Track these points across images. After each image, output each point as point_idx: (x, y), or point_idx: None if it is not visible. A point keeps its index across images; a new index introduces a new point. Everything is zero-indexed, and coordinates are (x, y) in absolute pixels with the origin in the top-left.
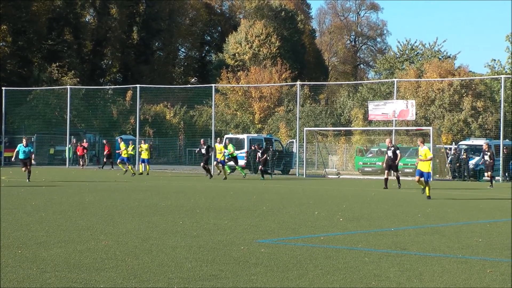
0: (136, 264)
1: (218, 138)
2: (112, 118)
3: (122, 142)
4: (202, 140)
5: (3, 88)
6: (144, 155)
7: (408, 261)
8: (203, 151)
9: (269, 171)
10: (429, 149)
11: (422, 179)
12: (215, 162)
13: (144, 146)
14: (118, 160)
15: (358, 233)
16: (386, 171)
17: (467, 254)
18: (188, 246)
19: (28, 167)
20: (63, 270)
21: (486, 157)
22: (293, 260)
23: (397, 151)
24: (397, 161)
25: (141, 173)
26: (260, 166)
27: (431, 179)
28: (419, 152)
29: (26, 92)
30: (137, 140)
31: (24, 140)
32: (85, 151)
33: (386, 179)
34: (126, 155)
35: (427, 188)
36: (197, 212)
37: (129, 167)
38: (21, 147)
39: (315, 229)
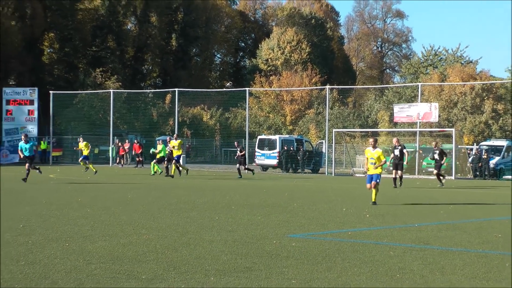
0: (175, 257)
1: (175, 135)
2: (152, 120)
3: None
4: (236, 143)
5: (50, 92)
6: (177, 152)
7: (430, 255)
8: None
9: (249, 168)
10: (383, 151)
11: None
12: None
13: (176, 142)
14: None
15: (383, 228)
16: (393, 171)
17: (487, 248)
18: (223, 240)
19: (31, 166)
20: (108, 262)
21: (436, 155)
22: (322, 254)
23: (404, 150)
24: (405, 161)
25: (171, 175)
26: (237, 165)
27: (380, 181)
28: (370, 155)
29: (72, 95)
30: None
31: (23, 137)
32: (126, 151)
33: (395, 178)
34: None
35: (374, 191)
36: (232, 209)
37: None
38: (22, 145)
39: (343, 224)
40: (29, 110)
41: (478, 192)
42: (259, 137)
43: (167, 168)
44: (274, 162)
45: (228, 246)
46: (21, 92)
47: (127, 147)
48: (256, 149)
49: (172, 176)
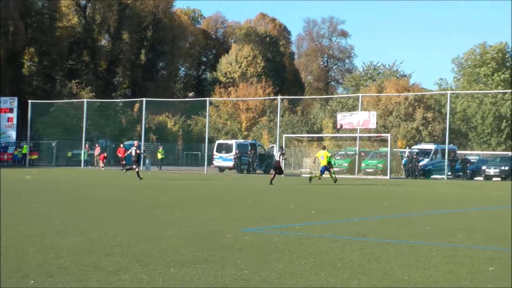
0: (139, 250)
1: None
2: (122, 126)
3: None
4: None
5: (29, 101)
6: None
7: (368, 246)
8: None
9: (131, 167)
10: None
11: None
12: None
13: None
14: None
15: (327, 223)
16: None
17: (417, 240)
18: (183, 235)
19: None
20: (77, 255)
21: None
22: (271, 246)
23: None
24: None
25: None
26: (128, 166)
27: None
28: (321, 154)
29: (49, 104)
30: (142, 145)
31: None
32: (98, 153)
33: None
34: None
35: (321, 176)
36: (192, 206)
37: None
38: None
39: (291, 219)
40: (8, 118)
41: (409, 190)
42: (217, 141)
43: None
44: (230, 164)
45: (187, 240)
46: (1, 101)
47: (98, 151)
48: (215, 152)
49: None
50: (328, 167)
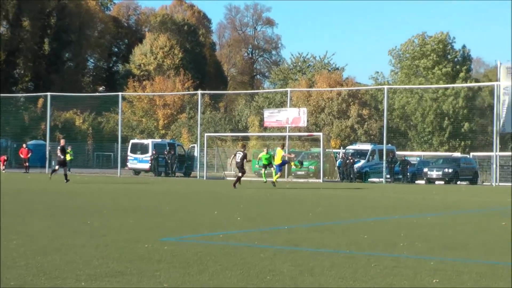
0: (45, 262)
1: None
2: (24, 124)
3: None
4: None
5: None
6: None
7: (300, 257)
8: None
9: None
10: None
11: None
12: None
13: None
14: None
15: (254, 231)
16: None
17: (354, 249)
18: (95, 245)
19: None
20: None
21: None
22: (194, 257)
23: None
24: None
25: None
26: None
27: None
28: (279, 154)
29: None
30: (47, 145)
31: None
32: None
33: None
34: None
35: (276, 176)
36: (104, 213)
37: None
38: None
39: (215, 227)
40: None
41: (345, 195)
42: (131, 141)
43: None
44: (146, 166)
45: (99, 250)
46: None
47: None
48: (129, 153)
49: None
50: (269, 166)
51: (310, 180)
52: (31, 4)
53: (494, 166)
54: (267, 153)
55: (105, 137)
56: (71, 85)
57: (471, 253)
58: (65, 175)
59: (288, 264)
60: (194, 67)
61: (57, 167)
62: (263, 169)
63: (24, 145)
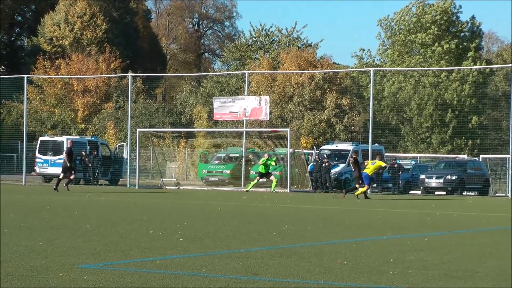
0: None
1: None
2: None
3: None
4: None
5: None
6: None
7: None
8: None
9: None
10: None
11: None
12: None
13: None
14: None
15: (202, 255)
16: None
17: (330, 279)
18: None
19: None
20: None
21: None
22: None
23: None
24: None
25: None
26: None
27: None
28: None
29: None
30: None
31: None
32: None
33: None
34: None
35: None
36: (5, 232)
37: None
38: None
39: (150, 251)
40: None
41: (318, 209)
42: (40, 138)
43: None
44: (60, 171)
45: None
46: None
47: None
48: (37, 154)
49: None
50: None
51: (278, 190)
52: None
53: (510, 172)
54: (268, 159)
55: (6, 133)
56: None
57: (479, 282)
58: None
59: None
60: (122, 42)
61: None
62: (258, 178)
63: None
